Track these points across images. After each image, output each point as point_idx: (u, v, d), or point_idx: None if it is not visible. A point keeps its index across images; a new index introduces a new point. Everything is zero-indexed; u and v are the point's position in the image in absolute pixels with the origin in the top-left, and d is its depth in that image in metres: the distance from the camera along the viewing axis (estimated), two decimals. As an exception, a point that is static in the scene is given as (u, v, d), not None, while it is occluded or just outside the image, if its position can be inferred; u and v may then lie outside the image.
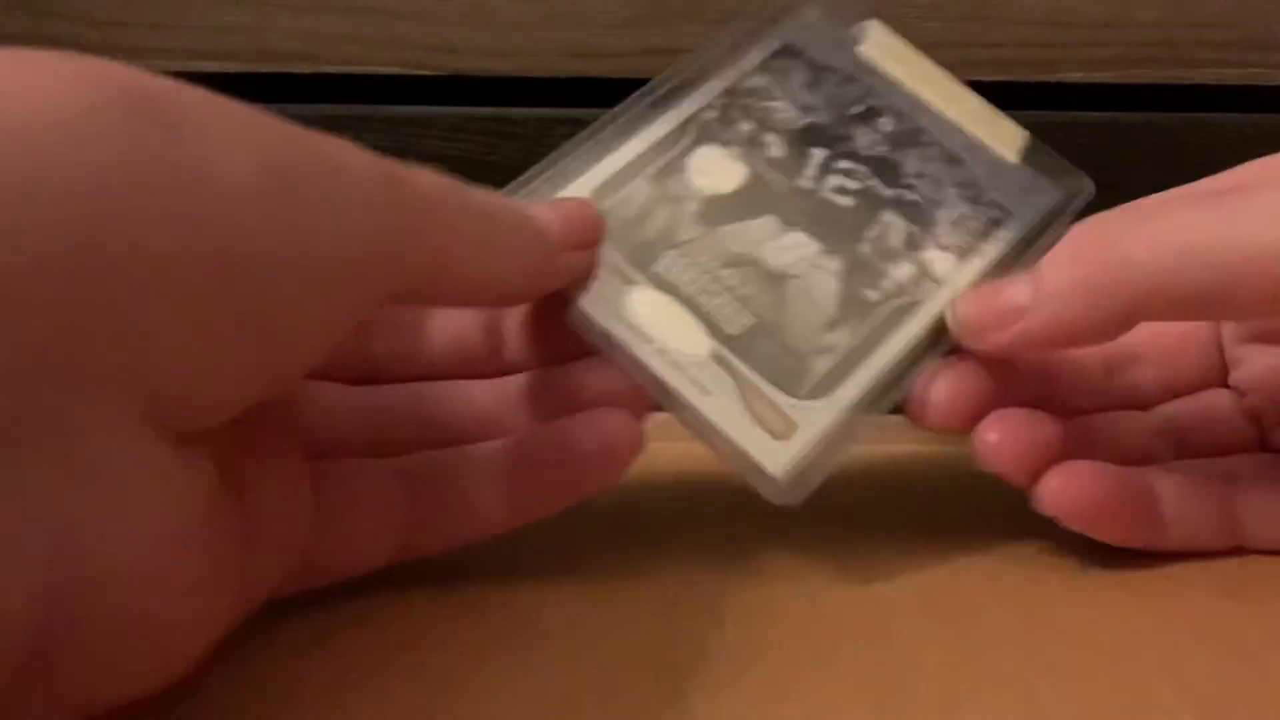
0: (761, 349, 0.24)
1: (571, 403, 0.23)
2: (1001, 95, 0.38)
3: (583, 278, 0.24)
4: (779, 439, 0.23)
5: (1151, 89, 0.38)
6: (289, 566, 0.20)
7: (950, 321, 0.24)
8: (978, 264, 0.25)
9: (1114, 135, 0.38)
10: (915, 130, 0.27)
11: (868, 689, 0.19)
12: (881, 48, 0.28)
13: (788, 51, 0.28)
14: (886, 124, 0.27)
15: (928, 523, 0.27)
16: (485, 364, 0.25)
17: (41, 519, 0.13)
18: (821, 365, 0.24)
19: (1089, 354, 0.27)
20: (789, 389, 0.23)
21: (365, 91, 0.38)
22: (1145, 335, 0.25)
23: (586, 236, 0.24)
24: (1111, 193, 0.39)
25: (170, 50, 0.37)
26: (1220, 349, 0.28)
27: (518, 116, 0.38)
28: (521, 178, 0.26)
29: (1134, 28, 0.37)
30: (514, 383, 0.25)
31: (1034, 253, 0.25)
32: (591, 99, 0.38)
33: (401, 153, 0.38)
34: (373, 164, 0.18)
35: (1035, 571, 0.24)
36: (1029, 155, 0.27)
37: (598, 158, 0.26)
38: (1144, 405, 0.27)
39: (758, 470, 0.23)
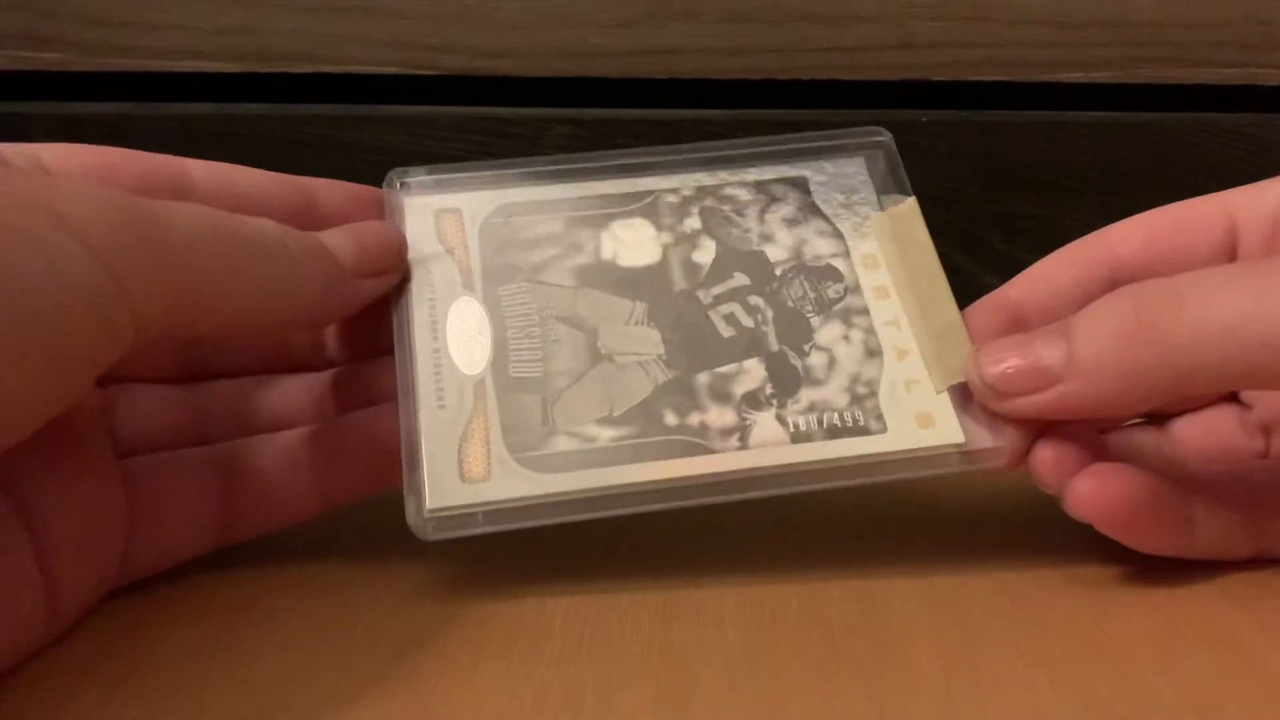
0: (521, 399, 0.23)
1: (381, 394, 0.25)
2: (1002, 95, 0.38)
3: (382, 295, 0.24)
4: (465, 481, 0.22)
5: (1151, 89, 0.38)
6: (107, 568, 0.21)
7: (972, 377, 0.23)
8: (802, 451, 0.23)
9: (1114, 135, 0.38)
10: (856, 309, 0.25)
11: (867, 689, 0.19)
12: (895, 222, 0.26)
13: (795, 183, 0.27)
14: (832, 289, 0.25)
15: (928, 523, 0.27)
16: (309, 358, 0.27)
17: None
18: (562, 445, 0.23)
19: None
20: (514, 446, 0.23)
21: (364, 91, 0.38)
22: None
23: (380, 264, 0.24)
24: (1112, 193, 0.39)
25: (170, 50, 0.37)
26: None
27: (517, 116, 0.38)
28: (455, 164, 0.26)
29: (1134, 28, 0.37)
30: (328, 376, 0.26)
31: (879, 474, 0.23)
32: (590, 99, 0.38)
33: (401, 152, 0.38)
34: (106, 201, 0.18)
35: (1035, 571, 0.24)
36: (956, 395, 0.24)
37: (534, 181, 0.26)
38: (1159, 416, 0.27)
39: (417, 494, 0.22)
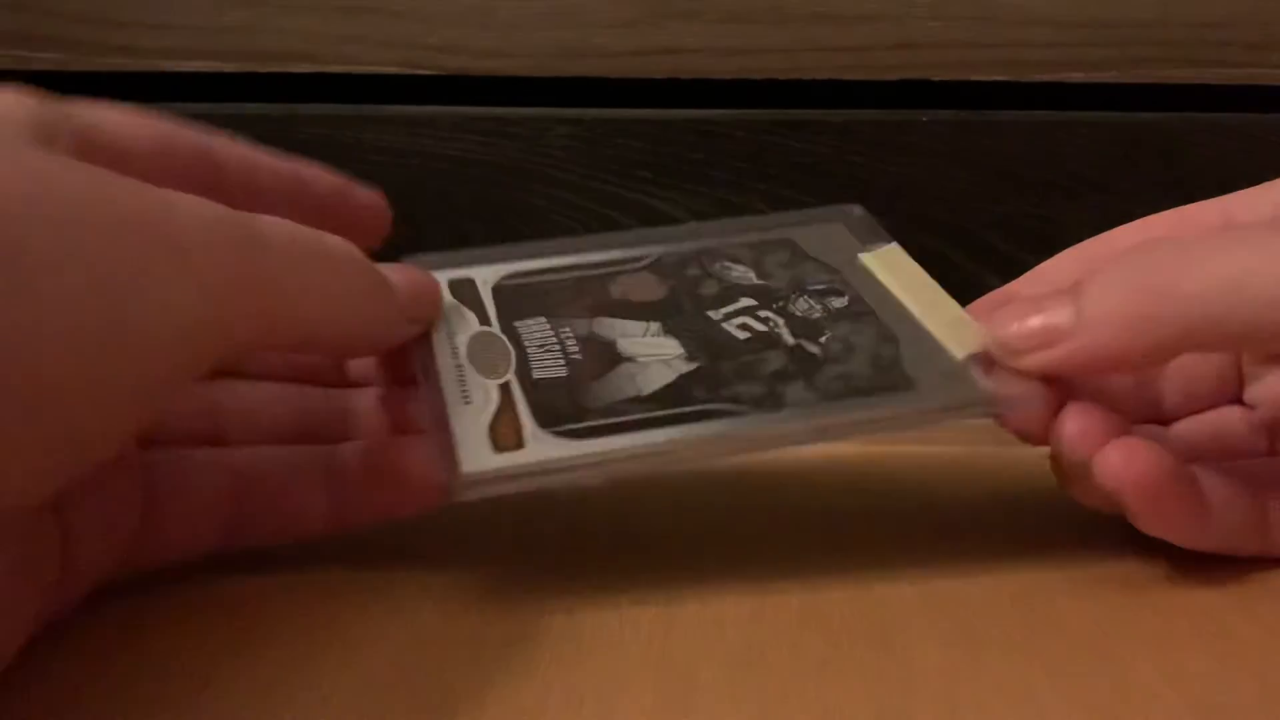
0: (548, 392, 0.23)
1: (405, 424, 0.25)
2: (1004, 95, 0.38)
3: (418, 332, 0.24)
4: (497, 451, 0.22)
5: (1152, 89, 0.38)
6: (119, 550, 0.21)
7: (988, 338, 0.23)
8: (833, 408, 0.23)
9: (1115, 135, 0.38)
10: (863, 312, 0.26)
11: (867, 689, 0.19)
12: (884, 258, 0.27)
13: (784, 243, 0.28)
14: (836, 301, 0.26)
15: (928, 523, 0.27)
16: (330, 375, 0.27)
17: None
18: (593, 420, 0.23)
19: None
20: (545, 422, 0.23)
21: (364, 91, 0.38)
22: None
23: (424, 310, 0.24)
24: (1112, 193, 0.39)
25: (169, 50, 0.37)
26: (1238, 364, 0.28)
27: (517, 116, 0.38)
28: (459, 250, 0.27)
29: (1135, 28, 0.37)
30: (356, 395, 0.26)
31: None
32: (590, 99, 0.38)
33: (401, 152, 0.38)
34: (217, 226, 0.18)
35: (1035, 571, 0.24)
36: (977, 358, 0.24)
37: (539, 255, 0.27)
38: (1164, 418, 0.27)
39: (451, 456, 0.22)
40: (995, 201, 0.34)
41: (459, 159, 0.38)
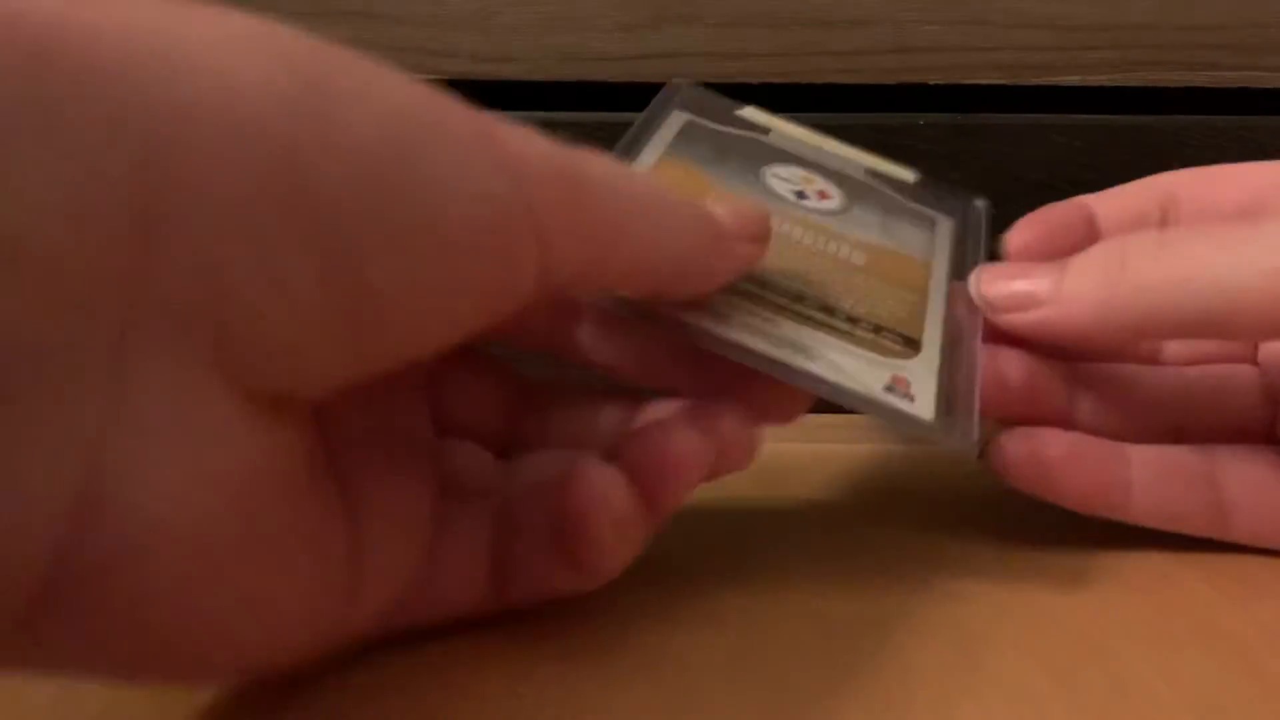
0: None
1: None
2: (1000, 98, 0.38)
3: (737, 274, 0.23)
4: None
5: (1148, 91, 0.38)
6: (396, 592, 0.19)
7: (972, 291, 0.25)
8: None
9: (1111, 138, 0.38)
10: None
11: (867, 689, 0.19)
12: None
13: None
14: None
15: (927, 523, 0.27)
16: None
17: (76, 460, 0.12)
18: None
19: None
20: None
21: (365, 96, 0.38)
22: None
23: (757, 228, 0.23)
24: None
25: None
26: None
27: (518, 120, 0.38)
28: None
29: (1131, 31, 0.37)
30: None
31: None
32: (591, 103, 0.38)
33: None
34: (540, 144, 0.18)
35: (1035, 571, 0.24)
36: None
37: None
38: (1160, 363, 0.28)
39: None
40: (993, 204, 0.34)
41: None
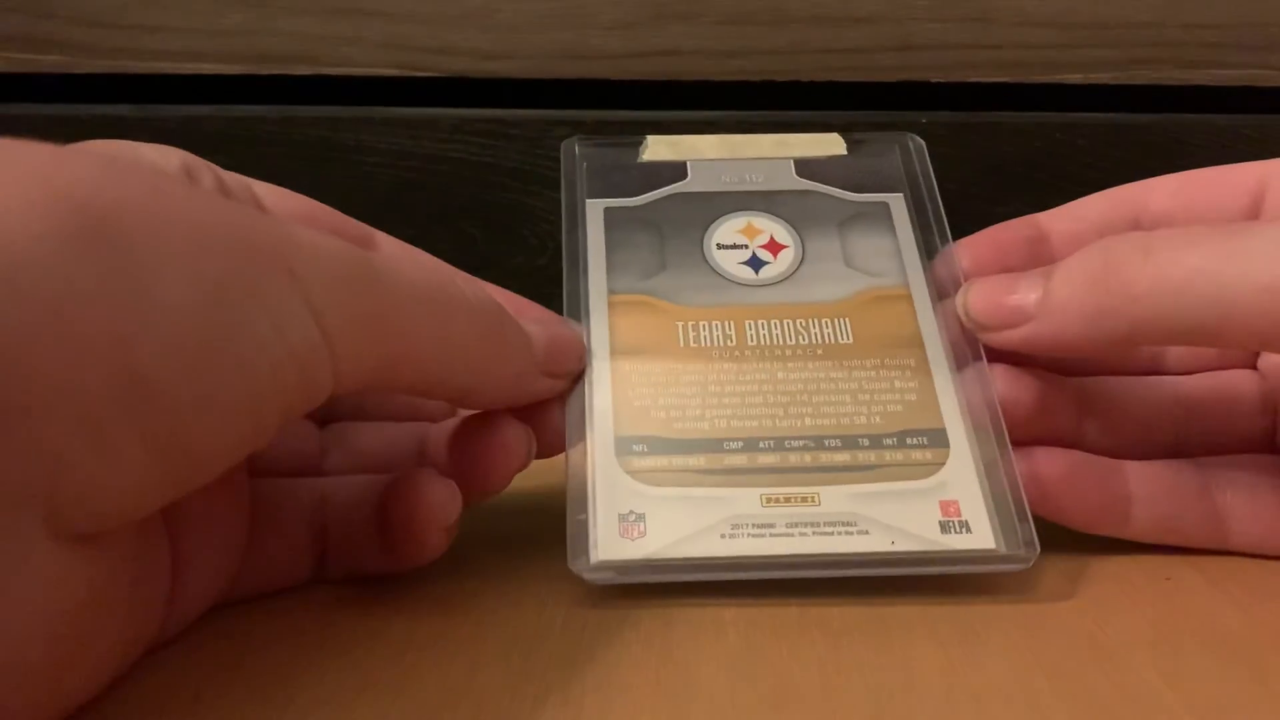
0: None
1: (469, 454, 0.23)
2: (1002, 96, 0.38)
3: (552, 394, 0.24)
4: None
5: (1150, 90, 0.38)
6: (222, 583, 0.21)
7: (959, 308, 0.25)
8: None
9: (1113, 136, 0.38)
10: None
11: (867, 689, 0.19)
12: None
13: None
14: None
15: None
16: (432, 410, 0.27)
17: None
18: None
19: None
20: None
21: (364, 94, 0.38)
22: None
23: (564, 365, 0.24)
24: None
25: (169, 52, 0.37)
26: None
27: (517, 118, 0.38)
28: None
29: (1133, 29, 0.37)
30: (434, 426, 0.26)
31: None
32: (590, 101, 0.38)
33: (402, 154, 0.38)
34: (336, 259, 0.18)
35: (1035, 572, 0.24)
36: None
37: None
38: (1164, 371, 0.27)
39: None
40: (994, 203, 0.34)
41: (459, 161, 0.38)
